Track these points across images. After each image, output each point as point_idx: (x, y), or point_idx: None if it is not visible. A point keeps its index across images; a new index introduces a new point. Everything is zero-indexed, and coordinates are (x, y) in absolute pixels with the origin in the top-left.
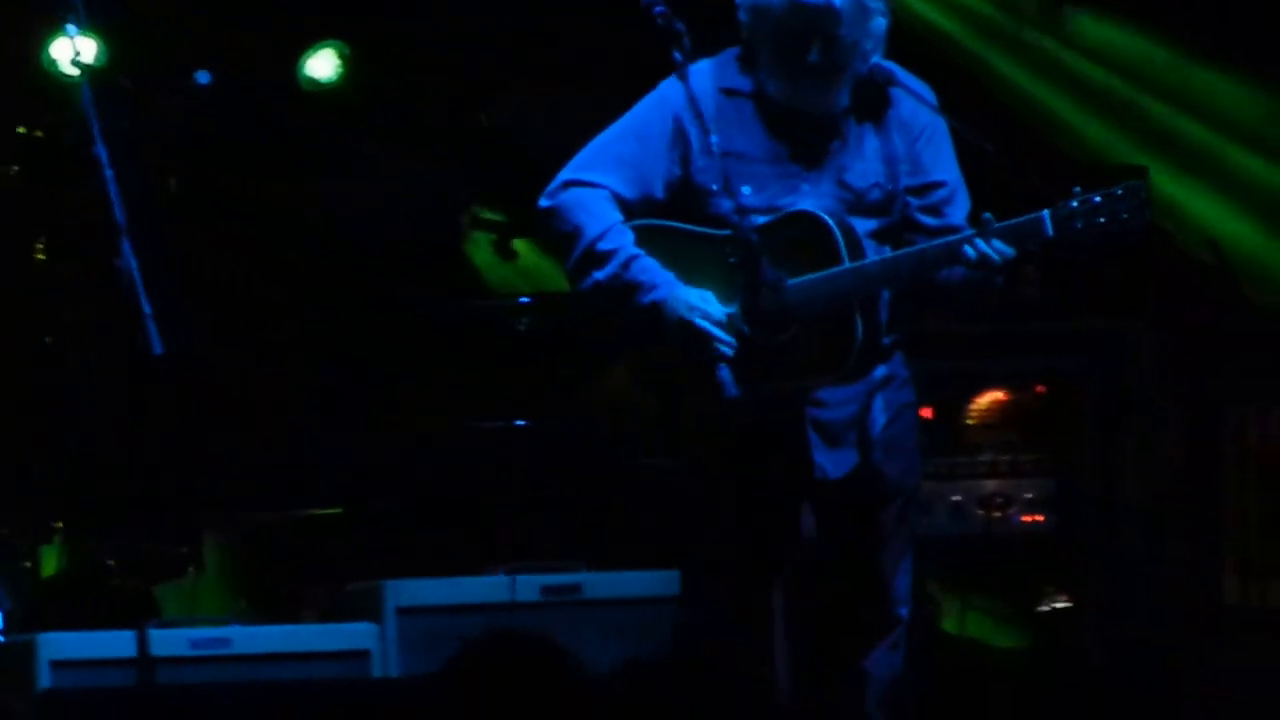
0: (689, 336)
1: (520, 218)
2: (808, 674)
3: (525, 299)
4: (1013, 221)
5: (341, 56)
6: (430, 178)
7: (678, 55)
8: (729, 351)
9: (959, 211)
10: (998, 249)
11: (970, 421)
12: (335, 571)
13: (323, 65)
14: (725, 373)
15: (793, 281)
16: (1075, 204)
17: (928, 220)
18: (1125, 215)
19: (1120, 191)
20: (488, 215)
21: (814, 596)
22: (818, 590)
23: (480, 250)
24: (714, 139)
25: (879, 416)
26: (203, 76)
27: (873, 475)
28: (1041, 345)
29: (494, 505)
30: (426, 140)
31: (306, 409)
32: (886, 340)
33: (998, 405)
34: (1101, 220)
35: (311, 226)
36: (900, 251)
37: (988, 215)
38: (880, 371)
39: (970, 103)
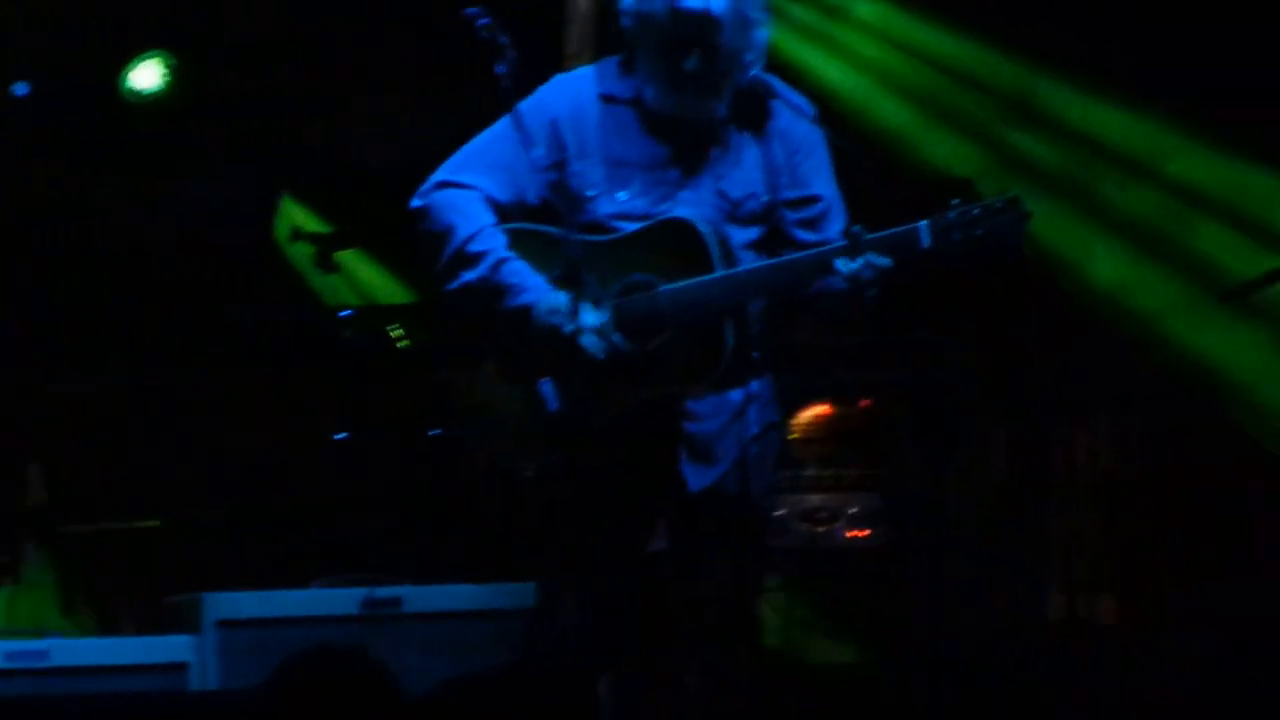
0: (555, 342)
1: (345, 230)
2: (633, 687)
3: (347, 311)
4: (890, 232)
5: (167, 67)
6: (254, 189)
7: (500, 68)
8: (596, 358)
9: (835, 226)
10: (872, 262)
11: (794, 435)
12: (154, 584)
13: (147, 76)
14: (548, 387)
15: (665, 288)
16: (953, 215)
17: (803, 234)
18: (1003, 228)
19: (1000, 204)
20: (309, 227)
21: (664, 611)
22: (668, 605)
23: (301, 261)
24: (592, 144)
25: (743, 433)
26: (20, 88)
27: (732, 492)
28: (866, 359)
29: (315, 517)
30: (250, 152)
31: (127, 420)
32: (757, 354)
33: (822, 419)
34: (979, 232)
35: (133, 237)
36: (773, 260)
37: (857, 228)
38: (750, 387)
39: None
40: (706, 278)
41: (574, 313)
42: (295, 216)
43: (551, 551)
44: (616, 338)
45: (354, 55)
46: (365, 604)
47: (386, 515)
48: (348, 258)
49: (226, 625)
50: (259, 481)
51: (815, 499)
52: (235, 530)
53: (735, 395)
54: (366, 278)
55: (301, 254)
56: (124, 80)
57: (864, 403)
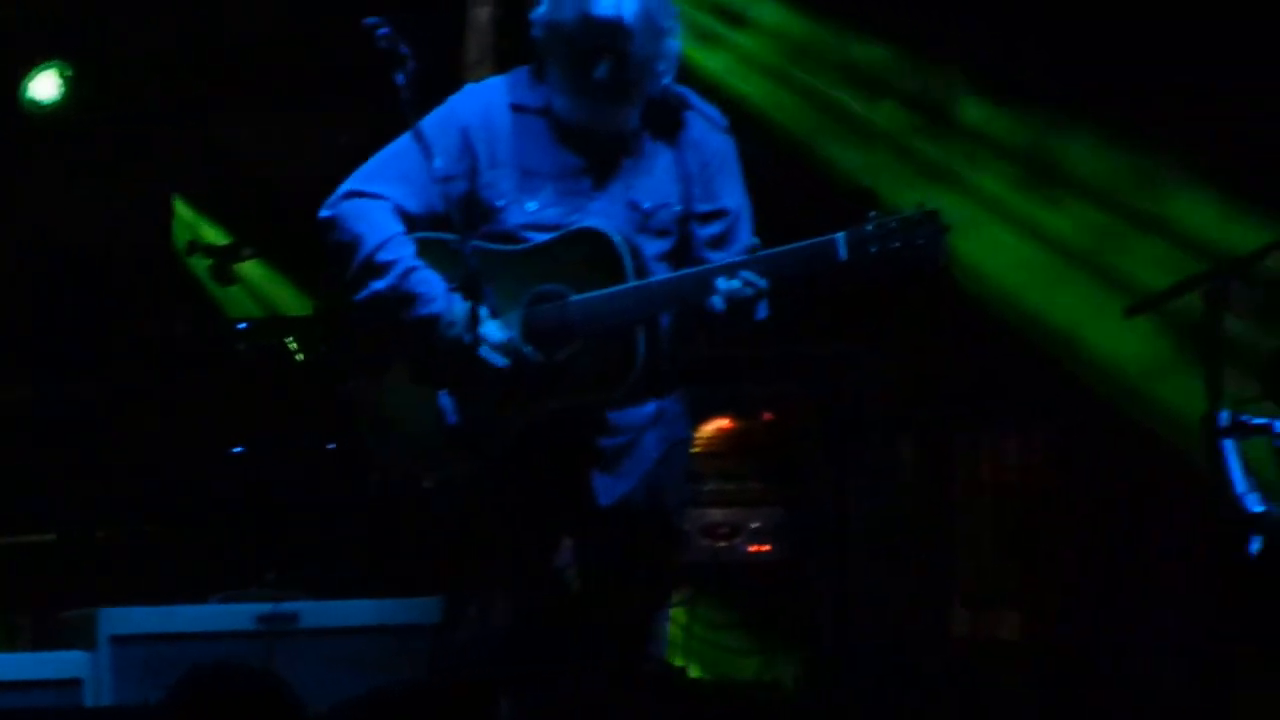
0: (459, 352)
1: (243, 242)
2: (536, 703)
3: (244, 324)
4: (806, 243)
5: (63, 77)
6: (154, 200)
7: (400, 78)
8: (499, 369)
9: (742, 241)
10: (749, 280)
11: (696, 449)
12: (49, 599)
13: (45, 86)
14: (445, 400)
15: (576, 298)
16: (870, 227)
17: (710, 254)
18: (920, 241)
19: (918, 216)
20: (208, 239)
21: (571, 628)
22: (575, 622)
23: (200, 273)
24: (502, 154)
25: (653, 449)
26: None
27: (641, 507)
28: (769, 371)
29: (213, 531)
30: (149, 162)
31: (20, 433)
32: (668, 367)
33: (725, 433)
34: (897, 245)
35: (28, 247)
36: (687, 271)
37: (754, 240)
38: (661, 403)
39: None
40: (619, 288)
41: (477, 323)
42: (194, 228)
43: (457, 565)
44: (525, 348)
45: (253, 65)
46: (263, 620)
47: (285, 529)
48: (250, 269)
49: (122, 641)
50: (155, 495)
51: (717, 514)
52: (132, 545)
53: (647, 409)
54: (268, 289)
55: (200, 266)
56: (23, 90)
57: (766, 416)
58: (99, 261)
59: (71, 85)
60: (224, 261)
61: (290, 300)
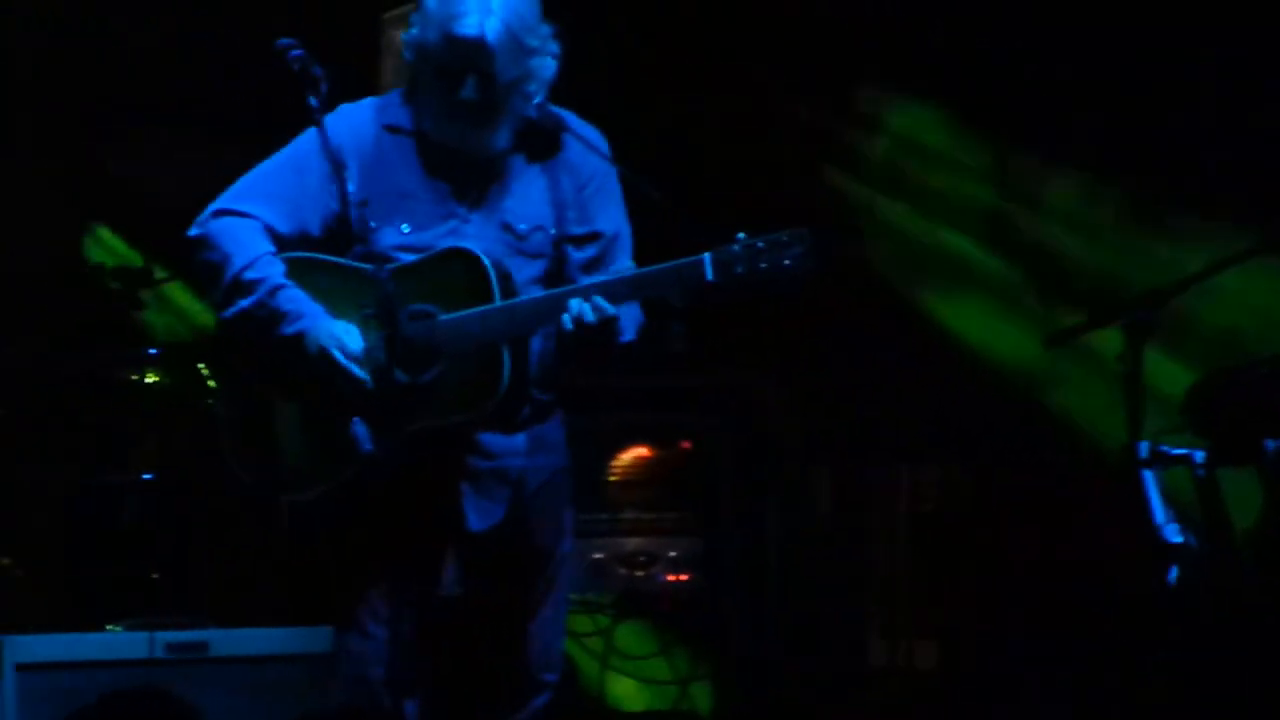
0: (328, 370)
1: (151, 266)
2: None
3: (153, 350)
4: (672, 264)
5: None
6: (58, 224)
7: (313, 100)
8: (366, 387)
9: (621, 262)
10: (597, 304)
11: (613, 478)
12: None
13: None
14: (359, 427)
15: (443, 318)
16: (738, 248)
17: (583, 277)
18: (788, 262)
19: (785, 237)
20: (115, 261)
21: (454, 654)
22: (457, 648)
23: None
24: (374, 175)
25: (531, 476)
26: None
27: (517, 534)
28: (685, 401)
29: (120, 559)
30: (53, 187)
31: None
32: (543, 396)
33: (642, 462)
34: (764, 265)
35: None
36: (553, 292)
37: (630, 264)
38: (536, 430)
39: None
40: (485, 308)
41: (348, 333)
42: (104, 251)
43: (339, 592)
44: (392, 371)
45: (161, 86)
46: (171, 648)
47: (191, 556)
48: (175, 294)
49: (28, 669)
50: (63, 522)
51: (634, 542)
52: (39, 572)
53: (520, 436)
54: (183, 314)
55: (111, 289)
56: None
57: (684, 445)
58: (10, 286)
59: None
60: (133, 286)
61: (202, 326)
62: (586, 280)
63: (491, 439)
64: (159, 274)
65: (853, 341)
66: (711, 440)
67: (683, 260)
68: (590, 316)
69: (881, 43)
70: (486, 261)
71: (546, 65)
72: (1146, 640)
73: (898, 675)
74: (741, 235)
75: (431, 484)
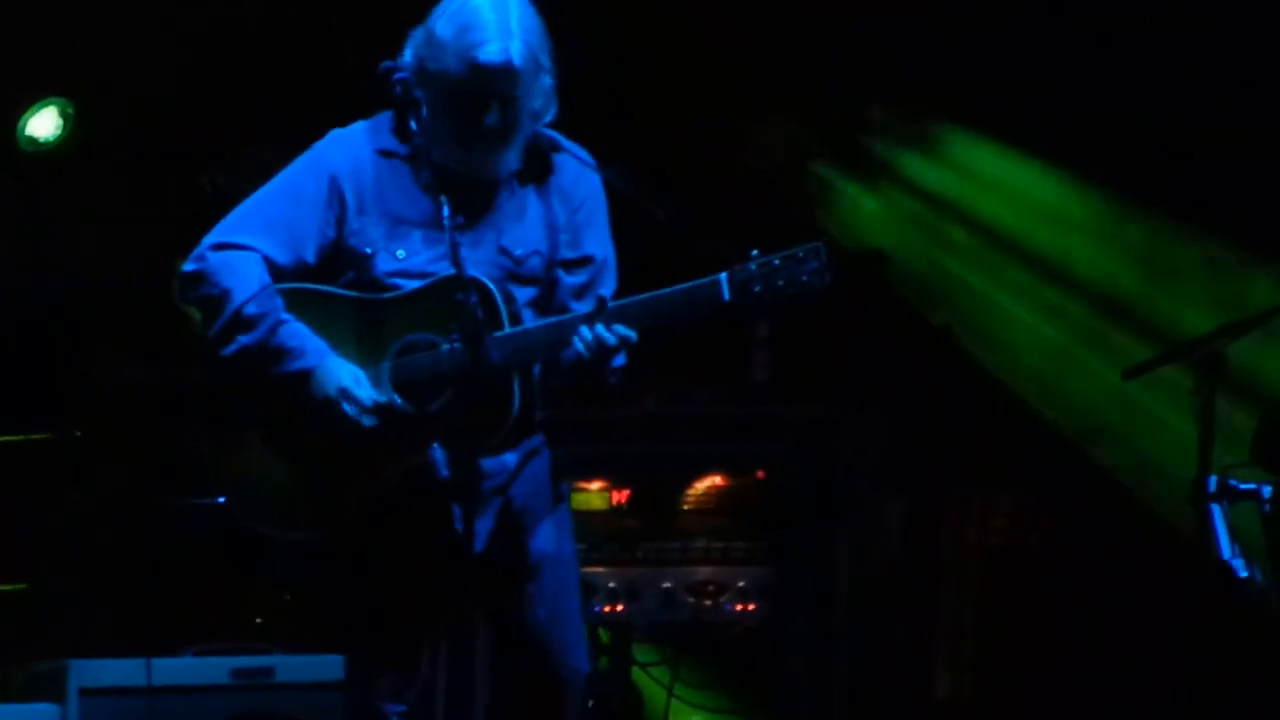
0: (332, 414)
1: None
2: None
3: None
4: (688, 285)
5: (64, 115)
6: (154, 240)
7: (413, 124)
8: (372, 424)
9: (607, 287)
10: (618, 331)
11: (687, 507)
12: (19, 650)
13: (44, 124)
14: (439, 454)
15: (447, 347)
16: (754, 266)
17: (574, 302)
18: (805, 278)
19: (801, 254)
20: None
21: (471, 670)
22: (474, 664)
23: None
24: (369, 200)
25: (529, 497)
26: None
27: (522, 551)
28: (760, 430)
29: (186, 583)
30: (150, 202)
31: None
32: (540, 414)
33: (714, 491)
34: (780, 283)
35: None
36: (563, 317)
37: (604, 293)
38: (528, 448)
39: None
40: (499, 334)
41: (358, 381)
42: None
43: (350, 621)
44: (395, 399)
45: (255, 105)
46: (237, 674)
47: (262, 581)
48: None
49: (91, 693)
50: (129, 545)
51: (704, 571)
52: (104, 595)
53: (509, 456)
54: None
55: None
56: (21, 128)
57: (759, 474)
58: (94, 302)
59: (72, 123)
60: None
61: None
62: (580, 307)
63: (488, 461)
64: None
65: (926, 371)
66: (785, 470)
67: (698, 281)
68: (611, 340)
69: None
70: (494, 288)
71: (550, 81)
72: (1218, 673)
73: (963, 709)
74: (755, 253)
75: (430, 512)
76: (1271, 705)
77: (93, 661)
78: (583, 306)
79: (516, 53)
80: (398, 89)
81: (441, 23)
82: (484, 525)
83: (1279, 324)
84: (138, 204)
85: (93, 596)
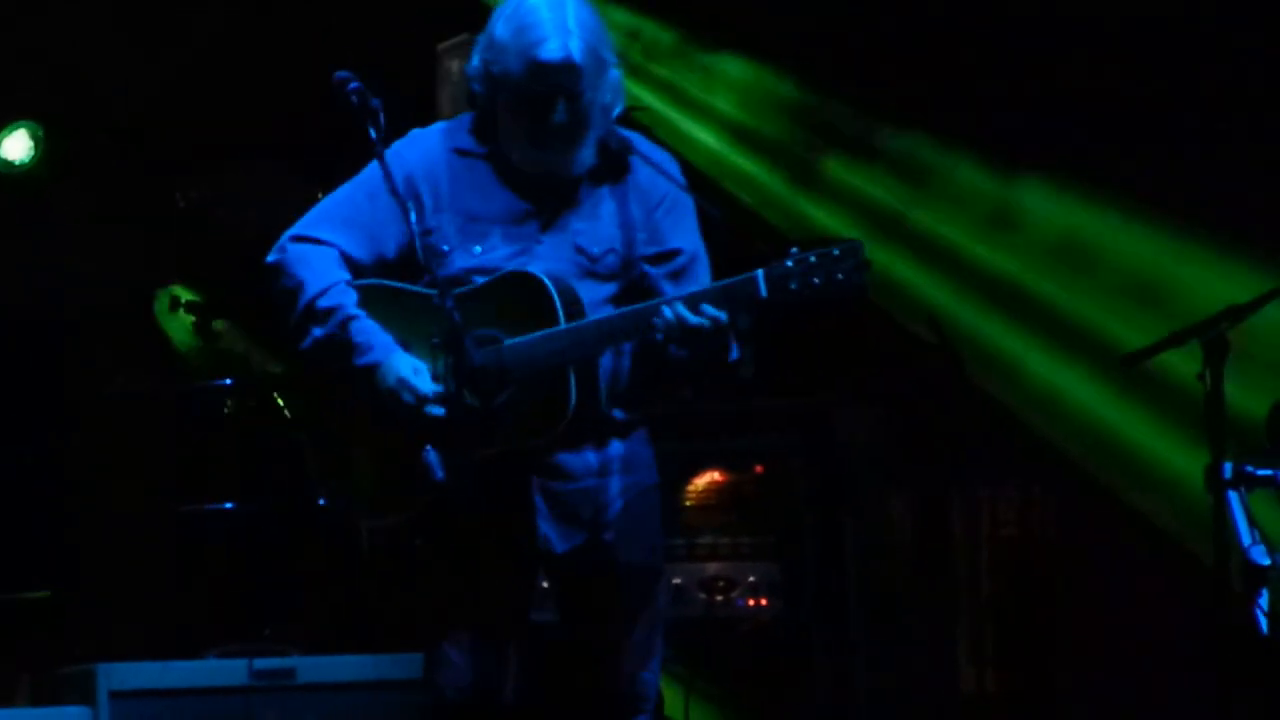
0: (396, 408)
1: (219, 298)
2: None
3: (228, 381)
4: (726, 282)
5: (34, 137)
6: (128, 258)
7: (373, 132)
8: (439, 418)
9: (699, 280)
10: (707, 313)
11: (689, 503)
12: (48, 654)
13: (16, 146)
14: (433, 456)
15: (509, 343)
16: (790, 264)
17: (668, 286)
18: (841, 276)
19: (837, 252)
20: (187, 296)
21: (548, 680)
22: (551, 674)
23: (180, 331)
24: (446, 198)
25: (615, 499)
26: None
27: (604, 555)
28: (758, 425)
29: (207, 587)
30: (123, 220)
31: (10, 490)
32: (623, 415)
33: (716, 486)
34: (816, 281)
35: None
36: (614, 313)
37: (698, 287)
38: (618, 449)
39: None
40: (548, 331)
41: (417, 372)
42: (174, 286)
43: (425, 622)
44: (464, 395)
45: (226, 122)
46: (257, 675)
47: (280, 585)
48: (229, 325)
49: (121, 696)
50: (148, 552)
51: (713, 567)
52: (128, 600)
53: (606, 453)
54: (249, 345)
55: (180, 324)
56: None
57: (758, 469)
58: (77, 319)
59: (43, 145)
60: (207, 317)
61: (262, 358)
62: (645, 303)
63: (571, 460)
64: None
65: (925, 361)
66: (785, 464)
67: (736, 278)
68: (694, 320)
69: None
70: (549, 284)
71: (618, 75)
72: (1237, 663)
73: (989, 702)
74: (795, 250)
75: (511, 509)
76: None
77: (121, 665)
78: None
79: (576, 49)
80: (354, 99)
81: (500, 25)
82: (571, 529)
83: None
84: (111, 221)
85: (112, 603)
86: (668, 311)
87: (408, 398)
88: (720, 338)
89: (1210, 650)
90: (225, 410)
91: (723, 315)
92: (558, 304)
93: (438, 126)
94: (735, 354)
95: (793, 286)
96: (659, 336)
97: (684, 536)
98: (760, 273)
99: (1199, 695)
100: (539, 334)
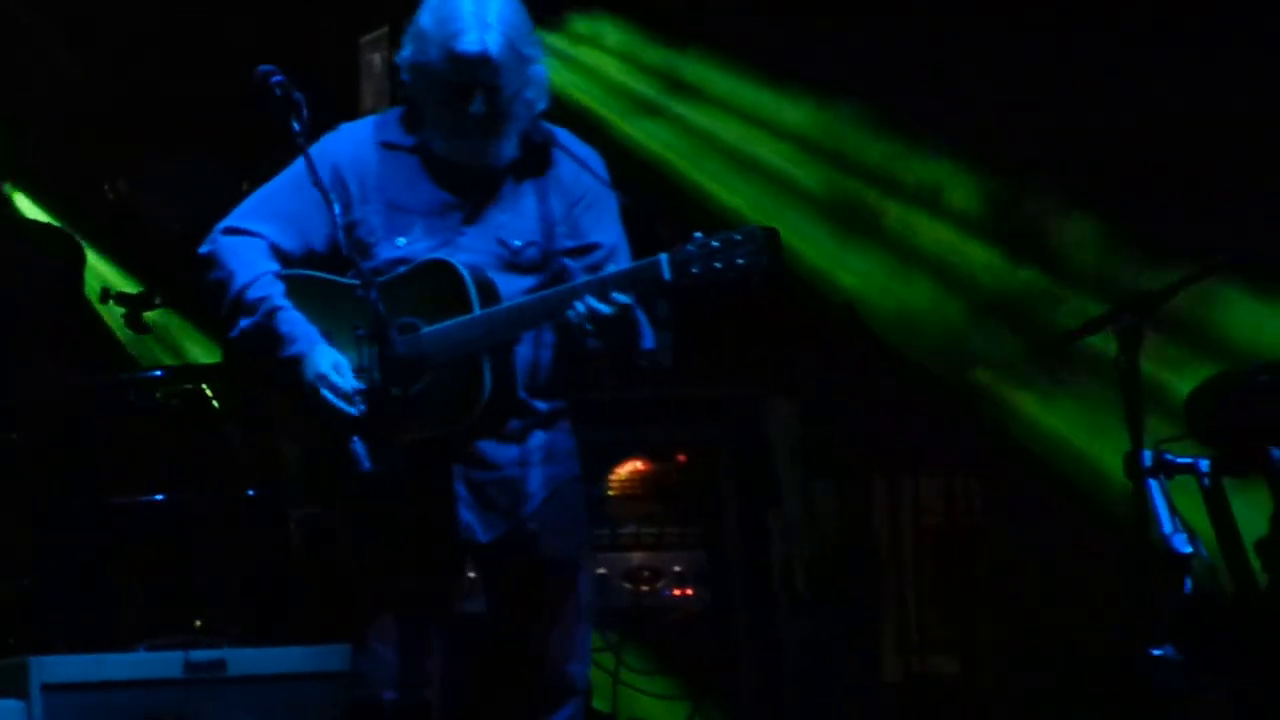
0: (315, 401)
1: (153, 290)
2: None
3: (160, 371)
4: (631, 266)
5: None
6: (60, 249)
7: (296, 125)
8: (358, 409)
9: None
10: (617, 300)
11: (612, 493)
12: None
13: None
14: (359, 446)
15: (427, 330)
16: (692, 248)
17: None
18: (741, 260)
19: (739, 237)
20: (118, 288)
21: (477, 665)
22: (479, 663)
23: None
24: (372, 190)
25: (538, 490)
26: None
27: (526, 544)
28: (680, 414)
29: (138, 580)
30: (56, 212)
31: None
32: (544, 405)
33: (639, 475)
34: (718, 265)
35: None
36: (524, 299)
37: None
38: (540, 439)
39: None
40: (463, 318)
41: (337, 368)
42: (104, 278)
43: (351, 612)
44: (380, 383)
45: (150, 114)
46: (189, 667)
47: (209, 577)
48: (157, 318)
49: (53, 689)
50: (80, 545)
51: (638, 557)
52: (59, 594)
53: (514, 445)
54: (177, 338)
55: (112, 314)
56: None
57: (680, 458)
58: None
59: None
60: (137, 309)
61: (198, 349)
62: (554, 289)
63: (493, 450)
64: (156, 298)
65: (847, 351)
66: (708, 453)
67: (641, 262)
68: (605, 310)
69: None
70: (464, 272)
71: (542, 71)
72: (1159, 650)
73: (912, 690)
74: (698, 235)
75: (434, 496)
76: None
77: (53, 658)
78: None
79: (493, 43)
80: (278, 92)
81: (425, 16)
82: (494, 518)
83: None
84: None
85: (43, 595)
86: (579, 305)
87: (326, 393)
88: (632, 325)
89: (1133, 637)
90: (156, 401)
91: (629, 299)
92: (472, 292)
93: (369, 120)
94: (651, 342)
95: (695, 270)
96: (572, 323)
97: (608, 526)
98: (664, 256)
99: (1123, 680)
100: (455, 321)
